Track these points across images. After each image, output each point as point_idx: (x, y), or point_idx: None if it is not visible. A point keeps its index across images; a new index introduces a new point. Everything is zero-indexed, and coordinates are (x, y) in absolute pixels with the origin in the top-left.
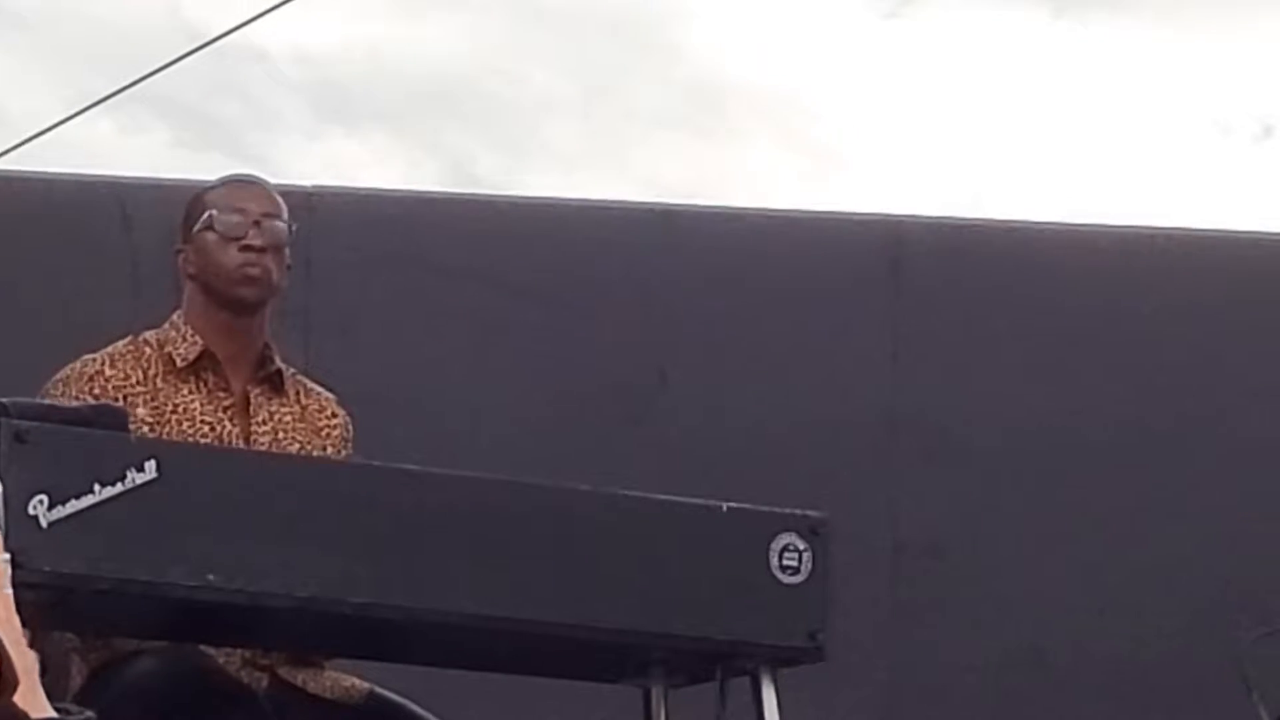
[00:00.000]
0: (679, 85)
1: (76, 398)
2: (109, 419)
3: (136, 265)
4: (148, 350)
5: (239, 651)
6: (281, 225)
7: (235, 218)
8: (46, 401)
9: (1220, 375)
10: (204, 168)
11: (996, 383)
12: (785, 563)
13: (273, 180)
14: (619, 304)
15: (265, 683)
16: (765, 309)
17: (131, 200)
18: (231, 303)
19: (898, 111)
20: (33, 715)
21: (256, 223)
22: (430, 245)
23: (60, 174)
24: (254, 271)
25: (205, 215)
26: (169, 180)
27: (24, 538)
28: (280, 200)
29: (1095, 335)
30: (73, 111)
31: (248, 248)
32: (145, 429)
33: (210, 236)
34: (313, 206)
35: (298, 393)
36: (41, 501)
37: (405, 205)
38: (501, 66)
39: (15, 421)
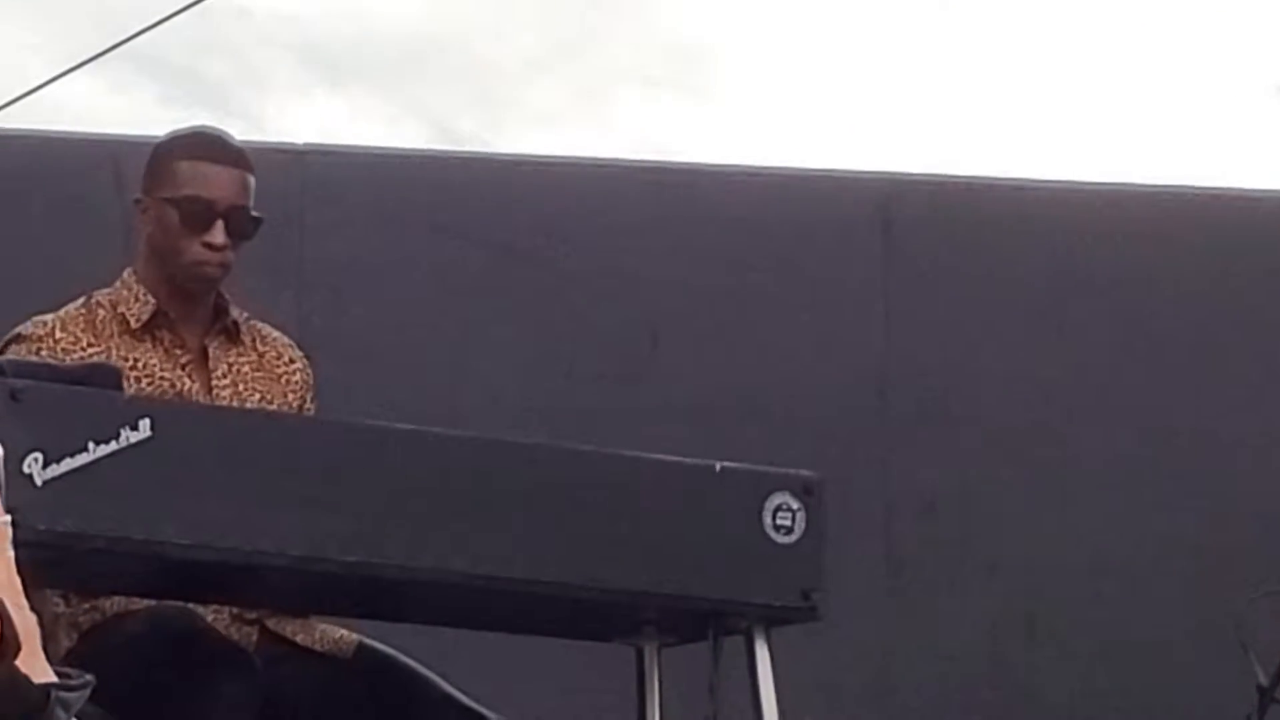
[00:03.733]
0: (662, 43)
1: (27, 357)
2: (104, 377)
3: (128, 223)
4: (101, 312)
5: (227, 608)
6: (247, 212)
7: (201, 209)
8: (39, 360)
9: (1218, 334)
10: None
11: (990, 342)
12: (779, 522)
13: (261, 138)
14: (611, 263)
15: (255, 638)
16: (757, 268)
17: (124, 159)
18: (181, 288)
19: (888, 68)
20: (34, 679)
21: (223, 215)
22: (423, 203)
23: (53, 133)
24: (210, 271)
25: (171, 187)
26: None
27: (19, 496)
28: (250, 175)
29: (1090, 294)
30: (61, 70)
31: (209, 245)
32: None
33: (173, 216)
34: (305, 164)
35: (254, 340)
36: (36, 460)
37: (398, 163)
38: (482, 24)
39: (10, 380)
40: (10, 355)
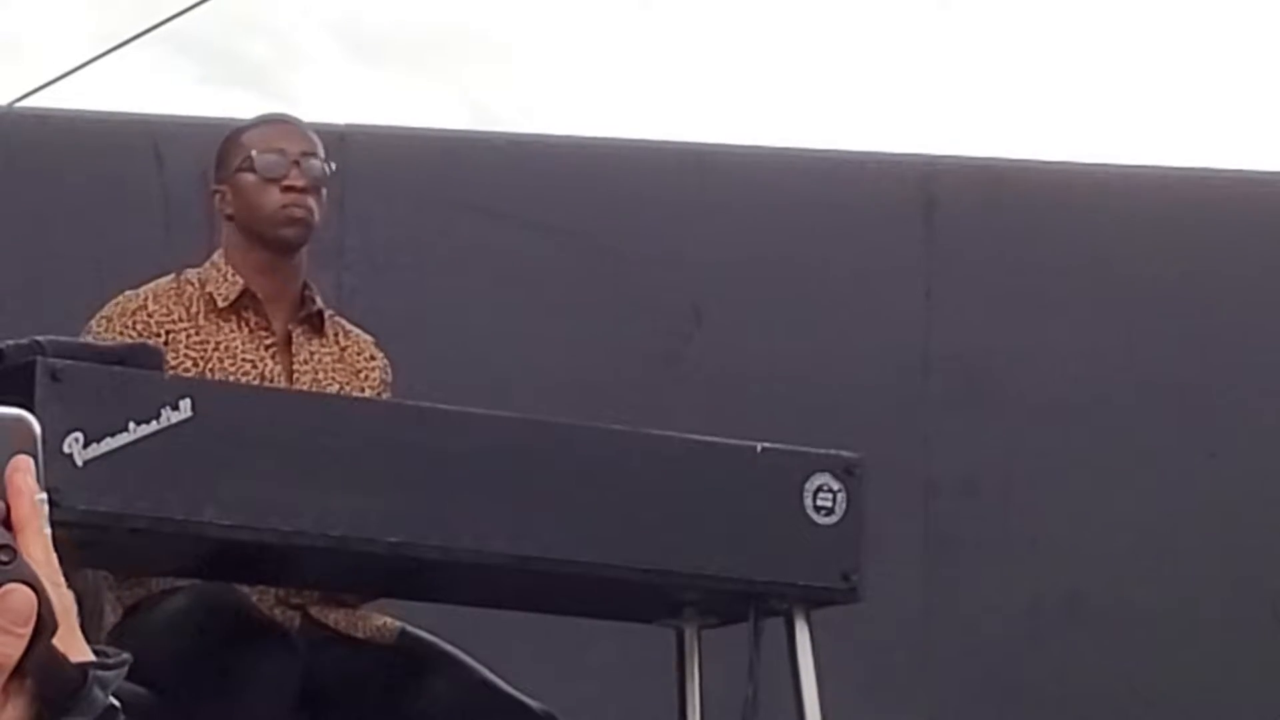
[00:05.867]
0: (702, 25)
1: (120, 334)
2: (144, 358)
3: (168, 202)
4: (189, 289)
5: (272, 590)
6: (320, 163)
7: (274, 158)
8: (81, 340)
9: (1263, 317)
10: (232, 105)
11: (1031, 323)
12: (819, 503)
13: (303, 119)
14: (653, 243)
15: (297, 621)
16: (799, 248)
17: (163, 137)
18: (273, 243)
19: (932, 48)
20: (71, 658)
21: (296, 162)
22: (463, 184)
23: (92, 111)
24: (298, 213)
25: (243, 156)
26: (201, 117)
27: (58, 476)
28: (316, 138)
29: (1131, 274)
30: (102, 50)
31: (289, 188)
32: (189, 364)
33: (249, 178)
34: (346, 145)
35: (336, 334)
36: (76, 439)
37: (438, 143)
38: (523, 4)
39: (51, 360)
40: (99, 332)
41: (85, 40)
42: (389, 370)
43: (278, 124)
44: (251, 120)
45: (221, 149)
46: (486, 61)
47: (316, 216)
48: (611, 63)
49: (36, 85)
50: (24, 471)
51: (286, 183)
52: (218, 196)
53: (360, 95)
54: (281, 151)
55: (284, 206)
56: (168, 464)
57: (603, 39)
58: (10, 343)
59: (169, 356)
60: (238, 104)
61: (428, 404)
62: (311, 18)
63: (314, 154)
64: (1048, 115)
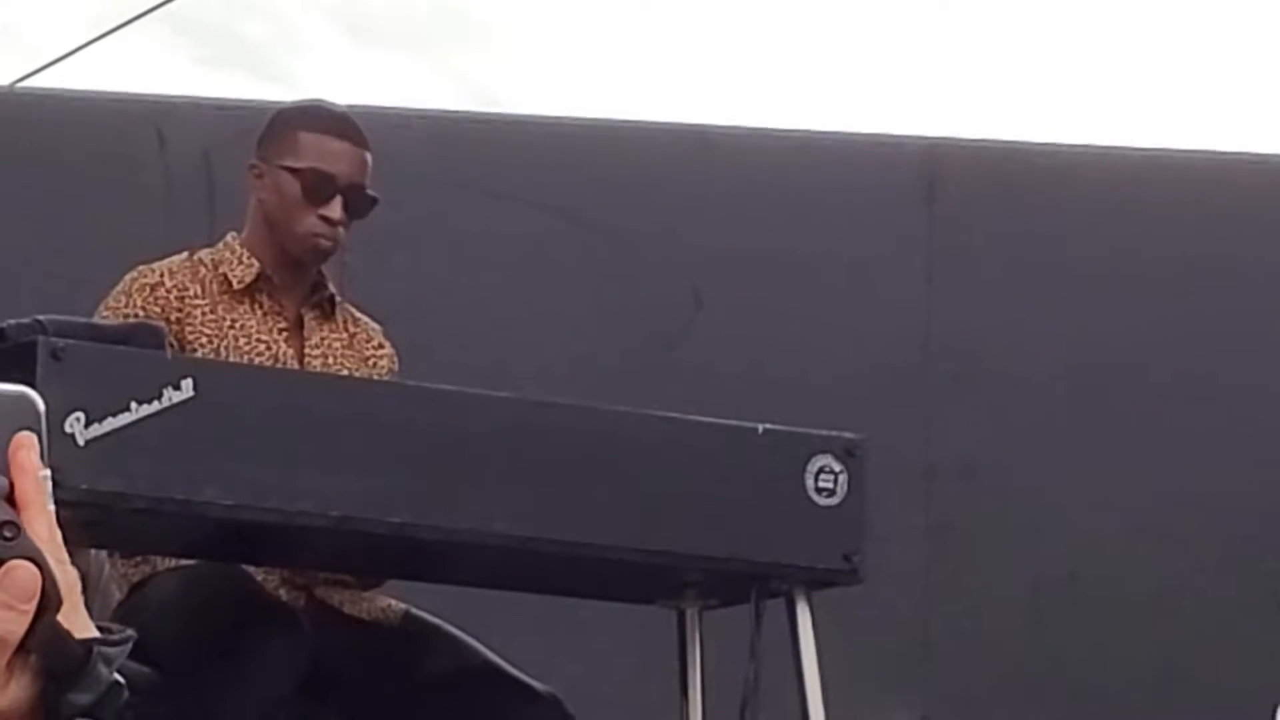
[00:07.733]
0: (705, 8)
1: (142, 309)
2: (146, 338)
3: (170, 183)
4: (202, 269)
5: (277, 571)
6: (365, 195)
7: (324, 181)
8: (82, 319)
9: (1262, 301)
10: (231, 86)
11: (1032, 306)
12: (821, 484)
13: (299, 100)
14: (654, 225)
15: (302, 601)
16: (800, 230)
17: (165, 118)
18: (292, 253)
19: (935, 29)
20: (76, 634)
21: (343, 192)
22: (464, 165)
23: (94, 92)
24: (325, 244)
25: (293, 158)
26: (203, 98)
27: (60, 455)
28: (369, 154)
29: (1132, 259)
30: (102, 32)
31: (327, 219)
32: (205, 340)
33: (292, 187)
34: None
35: (346, 321)
36: (78, 419)
37: (439, 124)
38: None
39: (52, 339)
40: (117, 307)
41: (85, 25)
42: (395, 360)
43: (338, 139)
44: (313, 111)
45: (274, 128)
46: (486, 45)
47: (342, 241)
48: (613, 44)
49: (37, 66)
50: (28, 448)
51: (325, 212)
52: (253, 171)
53: (359, 78)
54: (332, 178)
55: (315, 234)
56: (169, 444)
57: (604, 20)
58: (12, 322)
59: (186, 332)
60: (237, 85)
61: (430, 385)
62: (310, 0)
63: (363, 183)
64: (1050, 97)
